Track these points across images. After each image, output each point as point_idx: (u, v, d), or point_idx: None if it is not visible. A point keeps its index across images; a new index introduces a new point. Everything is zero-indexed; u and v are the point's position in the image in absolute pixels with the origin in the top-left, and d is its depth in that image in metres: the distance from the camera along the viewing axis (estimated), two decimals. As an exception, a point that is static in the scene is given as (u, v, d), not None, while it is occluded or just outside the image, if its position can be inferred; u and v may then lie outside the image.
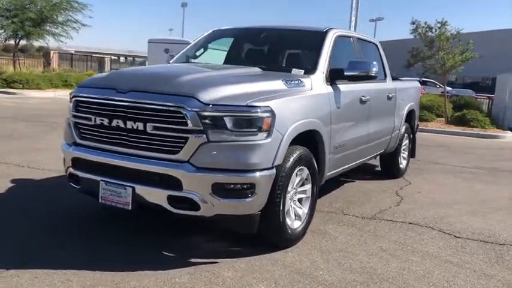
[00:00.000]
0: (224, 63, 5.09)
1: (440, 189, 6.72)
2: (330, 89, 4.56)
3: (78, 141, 3.92)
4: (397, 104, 6.62)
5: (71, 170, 3.99)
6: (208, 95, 3.44)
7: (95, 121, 3.74)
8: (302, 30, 5.37)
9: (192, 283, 3.29)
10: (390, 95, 6.26)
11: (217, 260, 3.68)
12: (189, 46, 5.60)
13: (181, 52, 5.54)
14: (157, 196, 3.55)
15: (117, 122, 3.60)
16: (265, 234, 3.82)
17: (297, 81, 4.15)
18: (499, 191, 6.87)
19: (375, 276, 3.57)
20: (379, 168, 7.53)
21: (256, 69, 4.37)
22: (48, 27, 24.21)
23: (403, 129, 7.03)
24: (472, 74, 34.76)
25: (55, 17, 23.64)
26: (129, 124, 3.55)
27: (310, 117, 4.06)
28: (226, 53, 5.55)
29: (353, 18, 30.46)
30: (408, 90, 7.28)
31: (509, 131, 15.99)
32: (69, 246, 3.85)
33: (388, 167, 7.22)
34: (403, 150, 7.35)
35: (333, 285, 3.38)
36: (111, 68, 30.93)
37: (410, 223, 4.97)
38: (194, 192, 3.42)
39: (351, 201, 5.69)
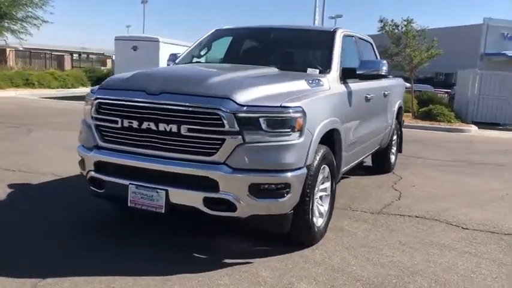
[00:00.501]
0: (233, 63, 5.07)
1: (431, 183, 6.97)
2: (343, 87, 4.65)
3: (101, 144, 3.83)
4: (390, 101, 6.81)
5: (93, 174, 3.90)
6: (243, 96, 3.45)
7: (122, 124, 3.67)
8: (310, 30, 5.46)
9: (236, 284, 3.31)
10: (386, 93, 6.44)
11: (251, 260, 3.70)
12: (193, 46, 5.56)
13: (187, 52, 5.49)
14: (192, 198, 3.53)
15: (148, 125, 3.55)
16: (296, 232, 3.87)
17: (317, 81, 4.22)
18: (485, 183, 7.19)
19: (405, 269, 3.69)
20: (367, 164, 7.70)
21: (274, 69, 4.40)
22: (6, 24, 23.16)
23: (393, 125, 7.24)
24: (433, 70, 35.87)
25: (14, 13, 22.64)
26: (162, 126, 3.51)
27: (332, 116, 4.14)
28: (232, 52, 5.54)
29: (317, 17, 30.92)
30: (397, 88, 7.50)
31: (473, 125, 16.69)
32: (101, 251, 3.80)
33: (379, 163, 7.41)
34: (393, 145, 7.57)
35: (369, 280, 3.47)
36: (72, 67, 29.89)
37: (416, 216, 5.14)
38: (231, 193, 3.43)
39: (354, 197, 5.81)
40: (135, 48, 19.78)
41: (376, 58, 6.53)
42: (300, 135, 3.55)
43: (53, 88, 23.01)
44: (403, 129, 8.24)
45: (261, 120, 3.42)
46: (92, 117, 3.90)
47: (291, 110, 3.50)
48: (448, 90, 25.70)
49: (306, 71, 4.58)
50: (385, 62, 4.84)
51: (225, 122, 3.36)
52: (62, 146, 8.39)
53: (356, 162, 5.47)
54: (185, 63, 5.29)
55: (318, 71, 4.59)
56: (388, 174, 7.42)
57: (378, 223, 4.83)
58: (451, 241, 4.40)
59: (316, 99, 3.91)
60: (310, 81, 4.11)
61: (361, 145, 5.36)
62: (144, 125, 3.57)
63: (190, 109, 3.45)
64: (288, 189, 3.51)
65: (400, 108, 7.59)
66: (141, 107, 3.59)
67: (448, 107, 17.84)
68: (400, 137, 7.99)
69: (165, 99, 3.52)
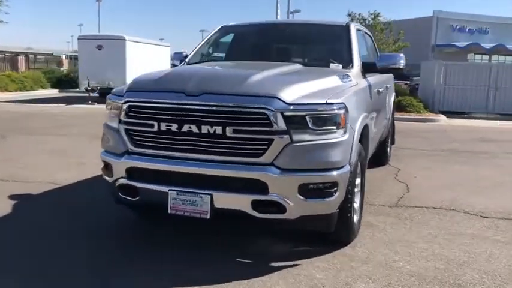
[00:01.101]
0: (251, 60, 4.93)
1: (429, 173, 7.09)
2: (365, 82, 4.63)
3: (133, 149, 3.63)
4: (389, 94, 6.87)
5: (125, 181, 3.69)
6: (289, 95, 3.35)
7: (159, 127, 3.48)
8: (324, 25, 5.38)
9: (294, 286, 3.21)
10: (388, 86, 6.49)
11: (297, 262, 3.61)
12: (201, 44, 5.38)
13: (196, 50, 5.31)
14: (239, 202, 3.40)
15: (190, 127, 3.39)
16: (338, 230, 3.80)
17: (346, 76, 4.16)
18: (477, 171, 7.39)
19: (450, 262, 3.71)
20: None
21: (299, 66, 4.30)
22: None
23: (391, 118, 7.31)
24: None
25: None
26: (205, 129, 3.36)
27: (364, 112, 4.11)
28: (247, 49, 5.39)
29: (279, 11, 31.01)
30: (391, 81, 7.57)
31: (441, 114, 17.19)
32: (144, 259, 3.65)
33: (378, 155, 7.45)
34: (388, 137, 7.65)
35: (421, 275, 3.46)
36: (29, 68, 28.43)
37: (434, 208, 5.20)
38: (281, 194, 3.32)
39: (365, 192, 5.81)
40: (99, 48, 19.15)
41: (376, 51, 6.55)
42: (344, 132, 3.49)
43: (10, 91, 21.95)
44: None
45: (307, 118, 3.33)
46: (120, 121, 3.69)
47: (335, 107, 3.43)
48: (407, 82, 26.30)
49: (329, 66, 4.52)
50: (402, 55, 4.84)
51: (274, 121, 3.25)
52: (46, 152, 8.04)
53: (370, 156, 5.47)
54: (197, 62, 5.10)
55: (340, 66, 4.54)
56: (386, 166, 7.49)
57: (401, 216, 4.85)
58: (477, 231, 4.47)
59: (351, 94, 3.85)
60: (341, 77, 4.05)
61: (375, 139, 5.36)
62: (185, 128, 3.40)
63: (236, 109, 3.31)
64: (335, 188, 3.44)
65: (394, 100, 7.67)
66: (180, 109, 3.42)
67: (417, 98, 18.29)
68: (393, 128, 8.09)
69: (207, 100, 3.37)
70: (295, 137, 3.30)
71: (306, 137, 3.33)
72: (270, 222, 3.54)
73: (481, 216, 4.93)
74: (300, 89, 3.49)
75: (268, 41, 5.43)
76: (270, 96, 3.31)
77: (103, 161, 3.94)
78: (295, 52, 5.20)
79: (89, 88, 18.63)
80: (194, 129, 3.38)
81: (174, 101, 3.44)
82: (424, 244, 4.07)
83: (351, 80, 4.21)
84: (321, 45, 5.29)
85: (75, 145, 8.88)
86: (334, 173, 3.41)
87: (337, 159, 3.43)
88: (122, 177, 3.71)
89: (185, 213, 3.48)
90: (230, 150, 3.36)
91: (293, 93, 3.38)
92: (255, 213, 3.39)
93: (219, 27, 5.60)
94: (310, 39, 5.35)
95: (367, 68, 4.70)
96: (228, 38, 5.53)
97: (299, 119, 3.31)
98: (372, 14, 17.39)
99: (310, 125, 3.33)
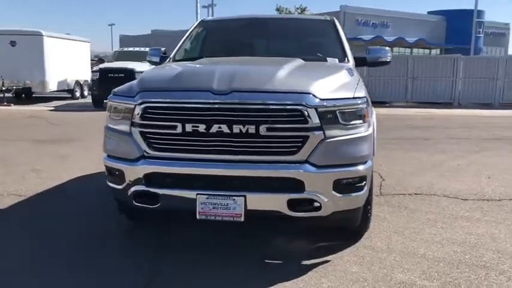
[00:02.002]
0: (237, 55, 4.78)
1: (391, 161, 7.39)
2: (359, 75, 4.70)
3: (152, 153, 3.39)
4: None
5: (142, 188, 3.44)
6: (320, 90, 3.31)
7: (184, 129, 3.27)
8: (311, 19, 5.39)
9: (341, 284, 3.20)
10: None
11: (326, 258, 3.60)
12: (183, 40, 5.14)
13: (180, 46, 5.07)
14: (275, 202, 3.31)
15: (219, 127, 3.22)
16: (360, 223, 3.84)
17: (350, 70, 4.20)
18: (430, 156, 7.86)
19: (463, 244, 3.90)
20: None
21: (301, 61, 4.25)
22: None
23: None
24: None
25: None
26: (236, 128, 3.21)
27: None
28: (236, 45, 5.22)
29: (199, 5, 30.63)
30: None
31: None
32: (175, 264, 3.42)
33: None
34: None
35: (446, 259, 3.60)
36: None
37: (416, 194, 5.45)
38: (317, 192, 3.28)
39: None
40: (13, 44, 17.66)
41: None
42: (368, 126, 3.52)
43: None
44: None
45: (338, 113, 3.32)
46: (133, 124, 3.42)
47: (360, 101, 3.45)
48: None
49: (326, 61, 4.54)
50: (388, 49, 4.98)
51: (309, 117, 3.20)
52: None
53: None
54: (186, 59, 4.87)
55: (337, 60, 4.57)
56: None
57: (394, 205, 5.01)
58: (467, 213, 4.74)
59: (364, 89, 3.89)
60: (348, 71, 4.08)
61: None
62: (214, 128, 3.23)
63: (270, 107, 3.21)
64: (364, 182, 3.47)
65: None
66: (209, 109, 3.24)
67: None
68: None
69: (238, 99, 3.22)
70: (328, 133, 3.27)
71: (337, 132, 3.32)
72: (303, 221, 3.48)
73: (461, 199, 5.24)
74: (327, 84, 3.46)
75: (258, 36, 5.32)
76: (305, 92, 3.25)
77: (109, 168, 3.64)
78: (288, 47, 5.14)
79: (3, 88, 17.11)
80: (225, 129, 3.22)
81: (202, 100, 3.25)
82: (430, 229, 4.24)
83: (353, 74, 4.25)
84: (312, 40, 5.28)
85: (16, 151, 8.11)
86: (364, 167, 3.43)
87: (365, 153, 3.45)
88: (138, 184, 3.45)
89: (216, 217, 3.31)
90: (263, 149, 3.25)
91: (323, 89, 3.35)
92: (290, 213, 3.32)
93: (199, 21, 5.40)
94: (301, 34, 5.32)
95: (358, 62, 4.77)
96: (212, 32, 5.33)
97: (331, 115, 3.29)
98: (298, 8, 17.76)
99: (340, 120, 3.32)
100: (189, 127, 3.26)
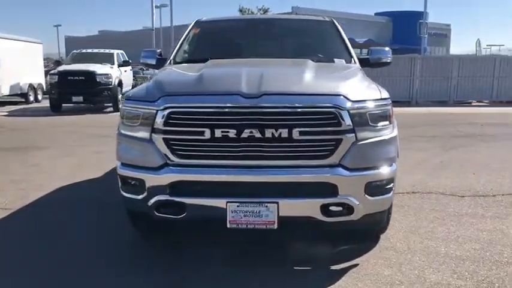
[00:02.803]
0: (239, 56, 4.66)
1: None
2: (364, 77, 4.70)
3: (177, 161, 3.22)
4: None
5: (166, 198, 3.26)
6: (351, 92, 3.25)
7: (213, 134, 3.13)
8: (311, 20, 5.31)
9: (376, 287, 3.16)
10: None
11: (354, 262, 3.56)
12: (181, 41, 4.95)
13: (179, 48, 4.87)
14: (308, 207, 3.23)
15: (251, 132, 3.10)
16: (383, 226, 3.83)
17: (361, 71, 4.18)
18: (411, 154, 7.98)
19: (480, 241, 3.96)
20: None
21: (311, 62, 4.19)
22: None
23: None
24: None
25: None
26: (268, 132, 3.10)
27: None
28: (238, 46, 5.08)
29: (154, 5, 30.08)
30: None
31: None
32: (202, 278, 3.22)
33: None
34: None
35: (469, 257, 3.64)
36: None
37: (413, 192, 5.52)
38: (350, 195, 3.23)
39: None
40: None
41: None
42: (393, 127, 3.51)
43: None
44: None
45: (368, 115, 3.28)
46: (155, 130, 3.24)
47: (386, 102, 3.43)
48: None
49: (334, 62, 4.50)
50: (389, 49, 5.00)
51: (342, 120, 3.14)
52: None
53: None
54: (186, 61, 4.69)
55: (343, 61, 4.54)
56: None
57: (395, 203, 4.92)
58: (469, 209, 4.84)
59: (384, 89, 3.86)
60: (362, 73, 4.05)
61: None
62: (245, 133, 3.10)
63: (303, 110, 3.12)
64: (392, 184, 3.45)
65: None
66: (239, 113, 3.11)
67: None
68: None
69: (270, 102, 3.12)
70: (359, 135, 3.22)
71: (367, 134, 3.28)
72: (334, 225, 3.41)
73: (458, 196, 5.35)
74: (355, 86, 3.42)
75: (261, 37, 5.19)
76: (337, 94, 3.19)
77: (125, 177, 3.43)
78: (293, 48, 5.05)
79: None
80: (256, 133, 3.10)
81: (232, 105, 3.12)
82: (442, 227, 4.29)
83: (363, 75, 4.23)
84: (316, 41, 5.20)
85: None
86: (391, 169, 3.41)
87: (393, 155, 3.44)
88: (161, 194, 3.26)
89: (248, 225, 3.19)
90: (296, 153, 3.16)
91: (353, 90, 3.30)
92: (323, 218, 3.24)
93: (195, 22, 5.23)
94: (303, 34, 5.24)
95: (361, 63, 4.76)
96: (211, 34, 5.17)
97: (362, 116, 3.24)
98: (261, 9, 17.75)
99: (370, 122, 3.28)
100: (218, 132, 3.12)
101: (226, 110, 3.13)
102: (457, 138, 9.99)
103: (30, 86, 19.10)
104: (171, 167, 3.23)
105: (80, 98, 15.09)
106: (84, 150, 8.36)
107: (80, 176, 6.30)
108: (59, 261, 3.63)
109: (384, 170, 3.35)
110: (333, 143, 3.16)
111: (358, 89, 3.37)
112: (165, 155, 3.22)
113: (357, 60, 4.61)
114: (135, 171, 3.35)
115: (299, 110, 3.12)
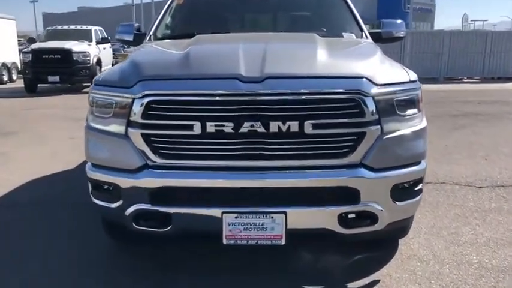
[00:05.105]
0: (232, 30, 3.98)
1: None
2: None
3: (159, 161, 2.58)
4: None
5: (146, 207, 2.63)
6: (375, 74, 2.64)
7: (204, 129, 2.48)
8: None
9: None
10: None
11: (374, 277, 2.99)
12: (163, 14, 4.23)
13: (159, 21, 4.15)
14: (323, 218, 2.62)
15: (252, 126, 2.46)
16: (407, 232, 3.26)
17: (378, 48, 3.53)
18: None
19: (504, 238, 3.45)
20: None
21: (316, 36, 3.52)
22: None
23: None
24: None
25: None
26: (274, 126, 2.47)
27: None
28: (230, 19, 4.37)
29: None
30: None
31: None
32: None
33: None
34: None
35: (508, 269, 3.10)
36: None
37: (426, 182, 4.94)
38: (373, 201, 2.63)
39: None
40: None
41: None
42: (423, 116, 2.90)
43: None
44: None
45: (395, 101, 2.66)
46: (131, 123, 2.58)
47: (416, 86, 2.82)
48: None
49: (342, 36, 3.85)
50: (403, 21, 4.34)
51: (366, 108, 2.52)
52: None
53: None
54: (168, 36, 3.99)
55: (353, 35, 3.90)
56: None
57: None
58: (493, 204, 4.32)
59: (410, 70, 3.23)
60: (379, 49, 3.41)
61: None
62: (245, 128, 2.46)
63: (318, 97, 2.49)
64: (421, 184, 2.86)
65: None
66: (237, 102, 2.47)
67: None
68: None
69: (277, 88, 2.47)
70: (385, 127, 2.61)
71: (395, 125, 2.67)
72: (353, 237, 2.81)
73: (475, 186, 4.83)
74: (377, 66, 2.80)
75: (258, 9, 4.47)
76: (359, 76, 2.56)
77: (95, 181, 2.78)
78: (295, 20, 4.37)
79: None
80: (258, 128, 2.47)
81: (227, 91, 2.47)
82: (466, 228, 3.76)
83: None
84: (321, 12, 4.50)
85: None
86: (422, 167, 2.82)
87: (423, 149, 2.85)
88: (140, 202, 2.63)
89: (249, 241, 2.58)
90: (309, 151, 2.54)
91: (377, 72, 2.68)
92: (341, 230, 2.64)
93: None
94: (306, 5, 4.55)
95: (374, 39, 4.11)
96: (199, 4, 4.44)
97: (388, 104, 2.63)
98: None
99: (397, 111, 2.67)
100: (211, 126, 2.48)
101: (221, 98, 2.48)
102: (456, 117, 9.48)
103: (4, 65, 18.04)
104: (152, 170, 2.59)
105: (56, 78, 14.21)
106: (59, 136, 7.62)
107: (52, 167, 5.59)
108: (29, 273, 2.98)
109: (414, 169, 2.76)
110: (354, 137, 2.55)
111: (382, 70, 2.74)
112: (145, 154, 2.58)
113: (368, 35, 3.96)
114: (107, 174, 2.71)
115: (313, 97, 2.48)
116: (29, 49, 14.55)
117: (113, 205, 2.73)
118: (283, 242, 2.58)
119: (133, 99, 2.55)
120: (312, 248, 3.35)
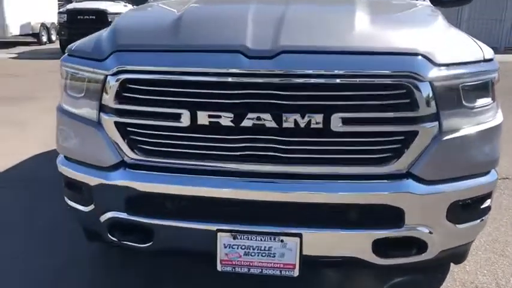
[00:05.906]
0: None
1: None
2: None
3: (138, 158, 1.96)
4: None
5: (122, 216, 2.03)
6: (436, 50, 1.89)
7: (194, 120, 1.84)
8: None
9: None
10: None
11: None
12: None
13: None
14: (351, 244, 1.95)
15: (257, 118, 1.79)
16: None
17: (440, 13, 2.72)
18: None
19: None
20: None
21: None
22: None
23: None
24: None
25: None
26: (289, 119, 1.78)
27: None
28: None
29: None
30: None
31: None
32: None
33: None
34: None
35: None
36: None
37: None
38: (422, 224, 1.92)
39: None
40: None
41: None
42: (497, 107, 2.13)
43: None
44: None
45: (461, 88, 1.91)
46: (104, 107, 1.96)
47: (491, 67, 2.04)
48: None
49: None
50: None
51: (421, 98, 1.78)
52: None
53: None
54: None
55: (407, -4, 3.08)
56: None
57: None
58: None
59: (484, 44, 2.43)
60: (441, 15, 2.60)
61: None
62: (249, 120, 1.80)
63: (351, 81, 1.77)
64: (490, 200, 2.12)
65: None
66: (239, 85, 1.79)
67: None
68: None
69: (295, 66, 1.77)
70: (446, 124, 1.88)
71: (459, 121, 1.93)
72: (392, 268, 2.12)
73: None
74: (438, 39, 2.03)
75: None
76: (413, 53, 1.82)
77: (67, 178, 2.21)
78: None
79: None
80: (267, 120, 1.79)
81: (227, 70, 1.79)
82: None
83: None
84: None
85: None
86: (491, 178, 2.07)
87: (496, 155, 2.09)
88: (114, 209, 2.03)
89: (251, 269, 1.95)
90: (335, 155, 1.85)
91: (437, 47, 1.92)
92: (377, 260, 1.96)
93: None
94: None
95: (432, 1, 3.28)
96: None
97: (452, 91, 1.88)
98: None
99: (463, 101, 1.91)
100: (203, 117, 1.82)
101: (216, 78, 1.81)
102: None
103: (43, 25, 17.84)
104: (129, 169, 1.98)
105: (92, 39, 13.80)
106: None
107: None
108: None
109: (481, 181, 2.02)
110: (401, 138, 1.83)
111: (445, 44, 1.98)
112: (120, 148, 1.96)
113: (429, -3, 3.14)
114: (78, 170, 2.13)
115: (344, 80, 1.77)
116: (65, 9, 14.22)
117: (85, 209, 2.17)
118: (296, 273, 1.94)
119: (106, 76, 1.92)
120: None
